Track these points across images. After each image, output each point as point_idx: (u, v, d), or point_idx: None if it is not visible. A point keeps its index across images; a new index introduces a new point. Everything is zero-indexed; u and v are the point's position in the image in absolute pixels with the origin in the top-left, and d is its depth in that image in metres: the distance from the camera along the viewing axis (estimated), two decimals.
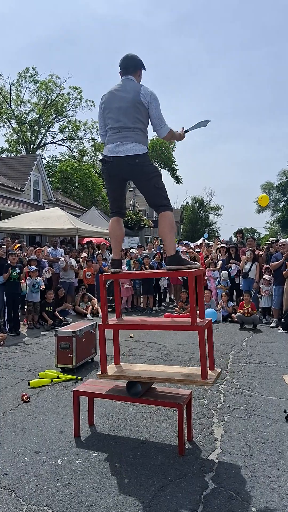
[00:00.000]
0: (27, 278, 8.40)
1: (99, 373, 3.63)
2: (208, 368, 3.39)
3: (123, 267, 10.89)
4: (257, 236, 61.84)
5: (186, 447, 3.40)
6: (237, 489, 2.82)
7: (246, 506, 2.63)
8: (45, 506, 2.64)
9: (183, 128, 3.77)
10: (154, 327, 3.70)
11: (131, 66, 3.45)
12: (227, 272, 10.09)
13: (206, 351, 3.30)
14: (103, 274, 3.72)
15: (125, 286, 10.66)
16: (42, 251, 10.08)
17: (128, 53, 3.50)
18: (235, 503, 2.66)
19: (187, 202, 54.30)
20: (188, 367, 3.68)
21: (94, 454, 3.30)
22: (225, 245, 11.42)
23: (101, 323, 3.65)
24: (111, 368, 3.69)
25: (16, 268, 7.83)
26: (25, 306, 8.74)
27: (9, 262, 7.81)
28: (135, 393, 3.47)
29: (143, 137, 3.38)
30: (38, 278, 8.57)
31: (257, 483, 2.89)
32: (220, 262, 10.49)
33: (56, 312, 8.86)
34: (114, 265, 3.62)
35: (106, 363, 3.61)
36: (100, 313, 9.05)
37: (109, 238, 4.20)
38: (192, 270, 3.28)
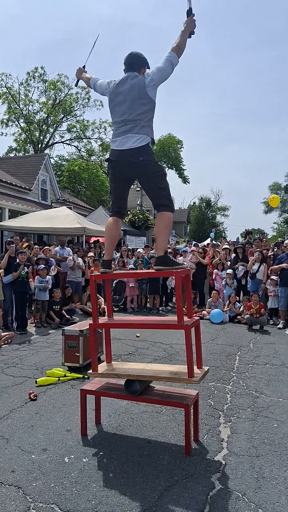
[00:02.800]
0: (36, 277, 8.44)
1: (90, 371, 3.67)
2: (195, 367, 3.43)
3: (130, 266, 10.91)
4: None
5: (193, 447, 3.40)
6: (243, 490, 2.82)
7: (253, 508, 2.62)
8: (52, 504, 2.65)
9: (189, 12, 3.32)
10: (142, 326, 3.78)
11: (136, 63, 3.46)
12: (232, 270, 10.08)
13: (192, 349, 3.31)
14: (92, 274, 3.77)
15: (130, 285, 10.67)
16: (49, 250, 10.11)
17: (133, 51, 3.50)
18: (241, 504, 2.66)
19: (194, 202, 54.26)
20: (177, 365, 3.70)
21: (101, 453, 3.31)
22: (229, 246, 11.41)
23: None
24: (102, 367, 3.74)
25: (25, 267, 7.87)
26: (32, 305, 8.80)
27: (18, 261, 7.86)
28: (133, 391, 3.50)
29: (149, 129, 3.38)
30: (47, 276, 8.61)
31: (264, 485, 2.88)
32: (229, 262, 10.47)
33: (63, 311, 8.90)
34: (104, 265, 3.64)
35: (97, 361, 3.67)
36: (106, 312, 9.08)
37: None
38: (178, 270, 3.31)
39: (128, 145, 3.32)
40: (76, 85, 4.31)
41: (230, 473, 3.03)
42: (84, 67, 3.93)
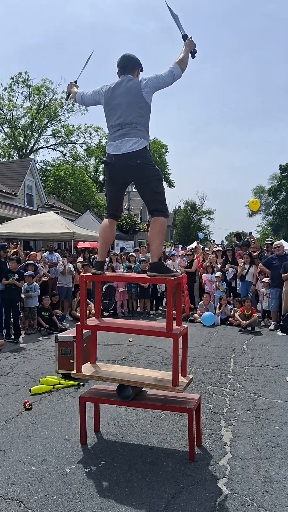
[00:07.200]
0: (24, 284, 8.24)
1: (74, 372, 3.60)
2: (180, 375, 3.38)
3: (119, 270, 10.82)
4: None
5: (196, 452, 3.34)
6: (251, 494, 2.77)
7: None
8: None
9: (185, 37, 3.40)
10: (131, 331, 3.75)
11: (129, 65, 3.45)
12: (220, 272, 10.10)
13: (178, 358, 3.27)
14: (83, 274, 3.72)
15: (119, 290, 10.57)
16: (36, 255, 9.79)
17: (126, 53, 3.49)
18: (251, 510, 2.60)
19: (179, 206, 54.46)
20: (161, 371, 3.66)
21: (103, 462, 3.22)
22: (222, 249, 11.43)
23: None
24: (87, 368, 3.66)
25: (16, 274, 7.71)
26: (21, 312, 8.61)
27: (8, 267, 7.70)
28: (125, 396, 3.43)
29: (145, 133, 3.36)
30: (34, 283, 8.44)
31: (271, 488, 2.84)
32: (219, 266, 10.48)
33: (54, 317, 8.75)
34: (96, 266, 3.60)
35: (81, 362, 3.58)
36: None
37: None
38: (171, 278, 3.27)
39: (125, 148, 3.29)
40: (67, 99, 4.29)
41: (236, 477, 2.98)
42: (76, 82, 3.90)
